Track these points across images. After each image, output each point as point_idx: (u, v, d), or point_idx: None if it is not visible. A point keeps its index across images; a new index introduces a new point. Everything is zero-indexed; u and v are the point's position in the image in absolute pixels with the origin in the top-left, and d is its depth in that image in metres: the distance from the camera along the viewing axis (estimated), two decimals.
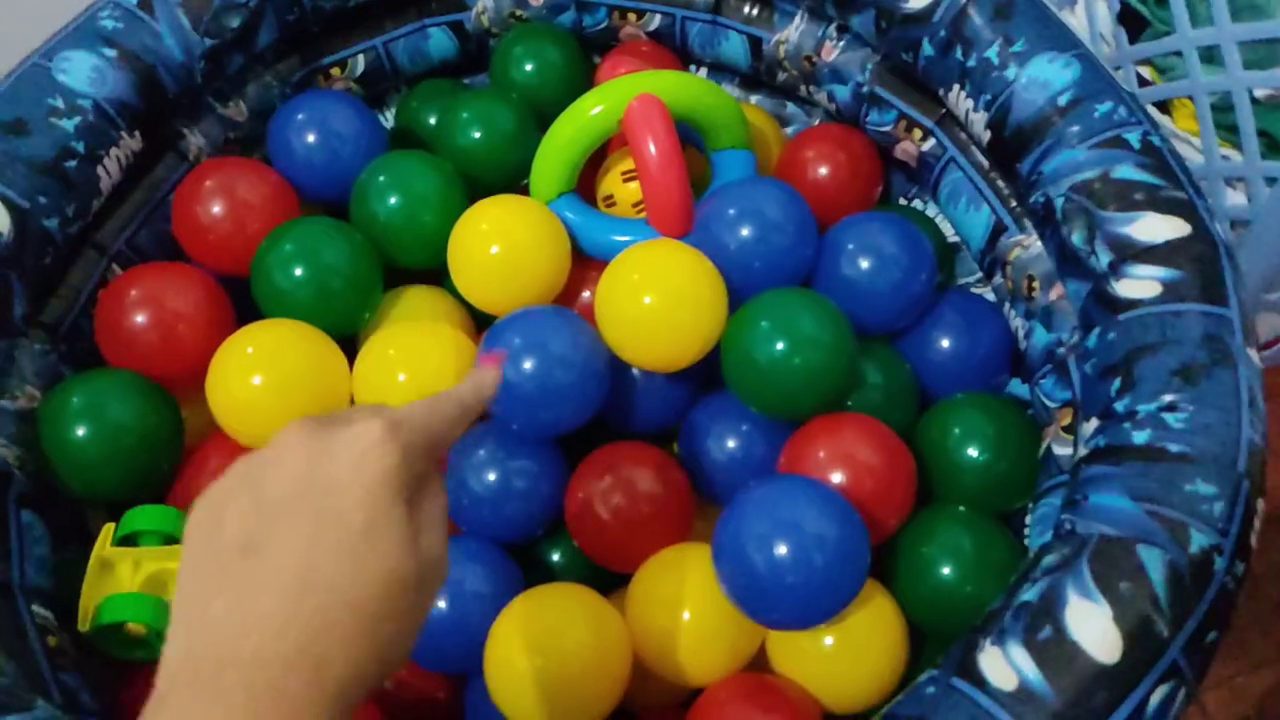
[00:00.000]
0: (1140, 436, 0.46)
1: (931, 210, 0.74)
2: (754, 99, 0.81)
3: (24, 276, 0.56)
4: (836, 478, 0.54)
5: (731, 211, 0.62)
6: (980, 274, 0.69)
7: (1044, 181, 0.56)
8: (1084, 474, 0.47)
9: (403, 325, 0.63)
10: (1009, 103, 0.58)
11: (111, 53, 0.61)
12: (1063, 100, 0.56)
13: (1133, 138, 0.54)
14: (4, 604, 0.49)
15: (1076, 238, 0.54)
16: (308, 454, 0.30)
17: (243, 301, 0.64)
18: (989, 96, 0.59)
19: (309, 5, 0.69)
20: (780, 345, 0.57)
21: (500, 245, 0.63)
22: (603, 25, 0.79)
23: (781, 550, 0.48)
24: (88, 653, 0.52)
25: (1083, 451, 0.49)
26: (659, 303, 0.58)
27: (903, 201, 0.76)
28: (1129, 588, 0.41)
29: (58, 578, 0.55)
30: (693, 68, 0.82)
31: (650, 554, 0.56)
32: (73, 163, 0.59)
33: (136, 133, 0.63)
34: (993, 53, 0.59)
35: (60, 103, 0.59)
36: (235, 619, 0.27)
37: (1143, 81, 0.81)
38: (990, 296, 0.68)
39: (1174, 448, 0.45)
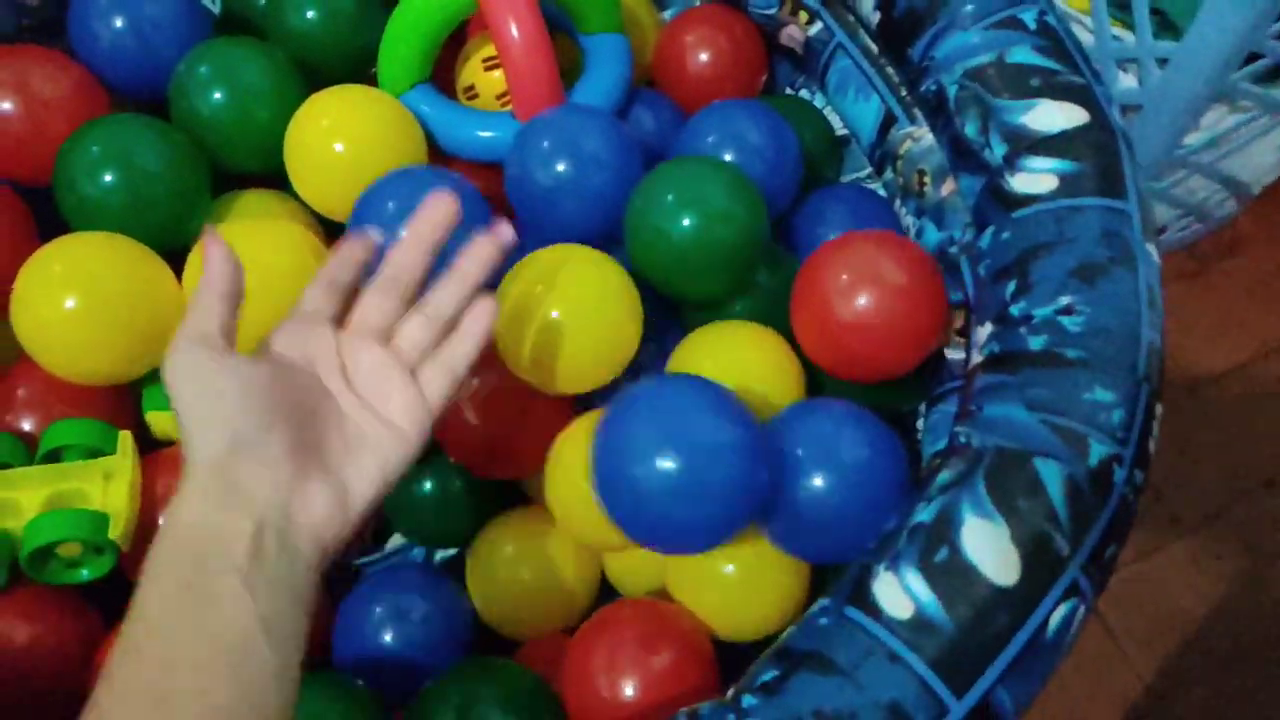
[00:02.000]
0: (1036, 342, 0.43)
1: (819, 101, 0.69)
2: None
3: None
4: (862, 301, 0.49)
5: (546, 144, 0.56)
6: (871, 169, 0.66)
7: (936, 68, 0.52)
8: (978, 383, 0.45)
9: (240, 225, 0.56)
10: None
11: None
12: None
13: (1028, 17, 0.50)
14: None
15: (970, 129, 0.50)
16: None
17: (47, 216, 0.56)
18: None
19: None
20: (690, 220, 0.52)
21: (344, 143, 0.56)
22: None
23: (668, 465, 0.42)
24: None
25: (977, 358, 0.47)
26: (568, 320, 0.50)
27: (789, 91, 0.71)
28: (1027, 504, 0.39)
29: None
30: None
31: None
32: None
33: None
34: None
35: None
36: None
37: None
38: (881, 192, 0.64)
39: (1071, 353, 0.42)
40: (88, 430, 0.51)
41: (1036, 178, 0.47)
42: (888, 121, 0.61)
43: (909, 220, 0.60)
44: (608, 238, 0.56)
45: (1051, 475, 0.39)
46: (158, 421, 0.54)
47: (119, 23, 0.59)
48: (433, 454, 0.54)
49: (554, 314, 0.49)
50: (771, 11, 0.65)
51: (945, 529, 0.39)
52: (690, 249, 0.52)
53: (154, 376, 0.55)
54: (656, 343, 0.56)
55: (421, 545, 0.61)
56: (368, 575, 0.60)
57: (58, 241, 0.52)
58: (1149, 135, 0.65)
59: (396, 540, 0.62)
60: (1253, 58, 0.71)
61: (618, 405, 0.44)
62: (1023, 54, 0.49)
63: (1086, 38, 0.71)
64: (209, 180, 0.58)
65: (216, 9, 0.71)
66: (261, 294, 0.50)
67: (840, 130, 0.68)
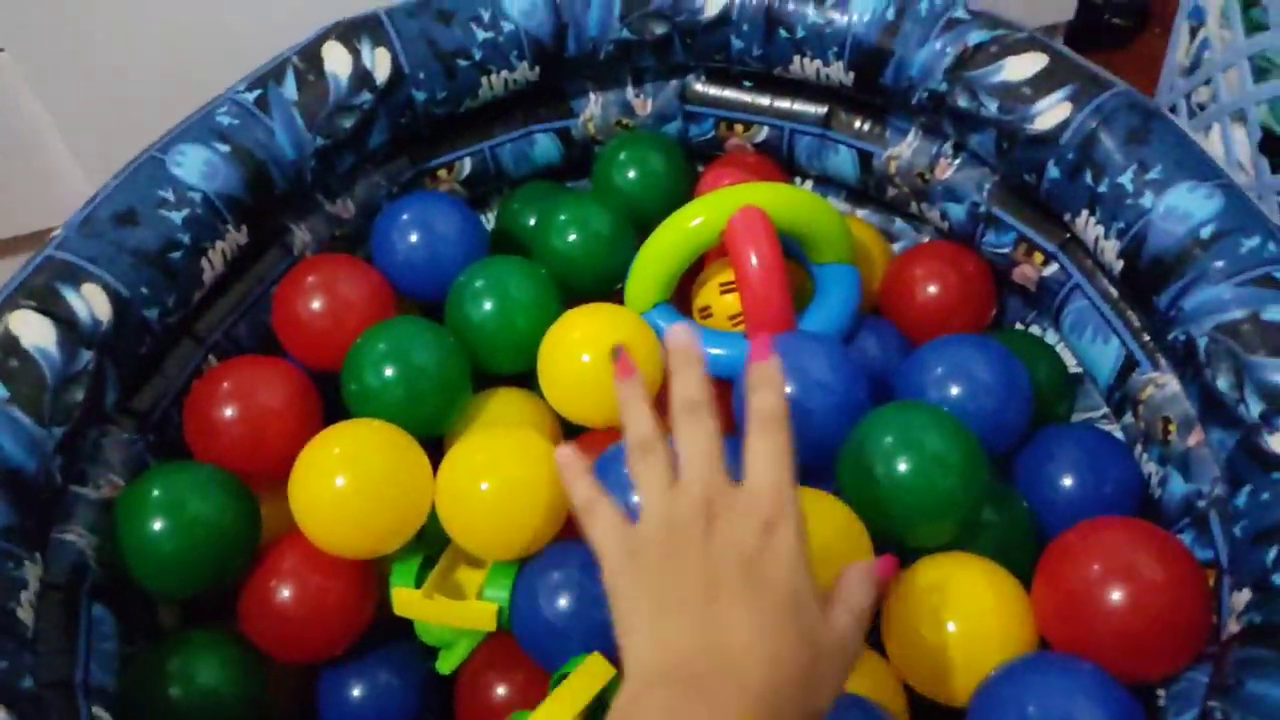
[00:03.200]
0: None
1: (1052, 338, 0.69)
2: (860, 213, 0.79)
3: (119, 364, 0.56)
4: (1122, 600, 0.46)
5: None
6: (1105, 410, 0.64)
7: (1184, 319, 0.52)
8: (1236, 655, 0.42)
9: (488, 431, 0.61)
10: (1144, 232, 0.54)
11: (225, 148, 0.62)
12: (1205, 233, 0.52)
13: None
14: (64, 705, 0.48)
15: (1222, 383, 0.49)
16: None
17: (332, 398, 0.64)
18: (1122, 225, 0.56)
19: (421, 109, 0.70)
20: (905, 464, 0.52)
21: (592, 354, 0.61)
22: (709, 136, 0.78)
23: None
24: None
25: (1234, 627, 0.44)
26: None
27: (1019, 326, 0.72)
28: None
29: (122, 675, 0.53)
30: (798, 180, 0.80)
31: None
32: (178, 254, 0.59)
33: (244, 227, 0.64)
34: (1127, 179, 0.55)
35: (171, 194, 0.60)
36: (724, 641, 0.33)
37: None
38: (1119, 435, 0.62)
39: None
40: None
41: None
42: (1129, 365, 0.60)
43: (1151, 467, 0.58)
44: (825, 464, 0.58)
45: None
46: (399, 596, 0.58)
47: (413, 238, 0.68)
48: None
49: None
50: (1004, 251, 0.67)
51: None
52: (906, 494, 0.53)
53: (400, 553, 0.59)
54: None
55: None
56: None
57: (336, 427, 0.59)
58: None
59: None
60: None
61: None
62: (1279, 312, 0.48)
63: None
64: (470, 379, 0.64)
65: (491, 226, 0.81)
66: (496, 498, 0.56)
67: (1073, 368, 0.67)
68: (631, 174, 0.75)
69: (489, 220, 0.81)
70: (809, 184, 0.80)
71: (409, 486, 0.57)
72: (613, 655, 0.51)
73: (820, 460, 0.58)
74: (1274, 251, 0.50)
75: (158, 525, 0.54)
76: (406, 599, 0.57)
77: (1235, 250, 0.51)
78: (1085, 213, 0.58)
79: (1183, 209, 0.53)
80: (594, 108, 0.78)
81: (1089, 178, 0.57)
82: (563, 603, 0.54)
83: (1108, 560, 0.47)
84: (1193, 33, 0.89)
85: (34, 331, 0.53)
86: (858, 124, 0.73)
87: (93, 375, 0.54)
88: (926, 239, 0.76)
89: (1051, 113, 0.59)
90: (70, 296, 0.54)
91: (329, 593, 0.57)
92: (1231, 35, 0.76)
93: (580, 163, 0.81)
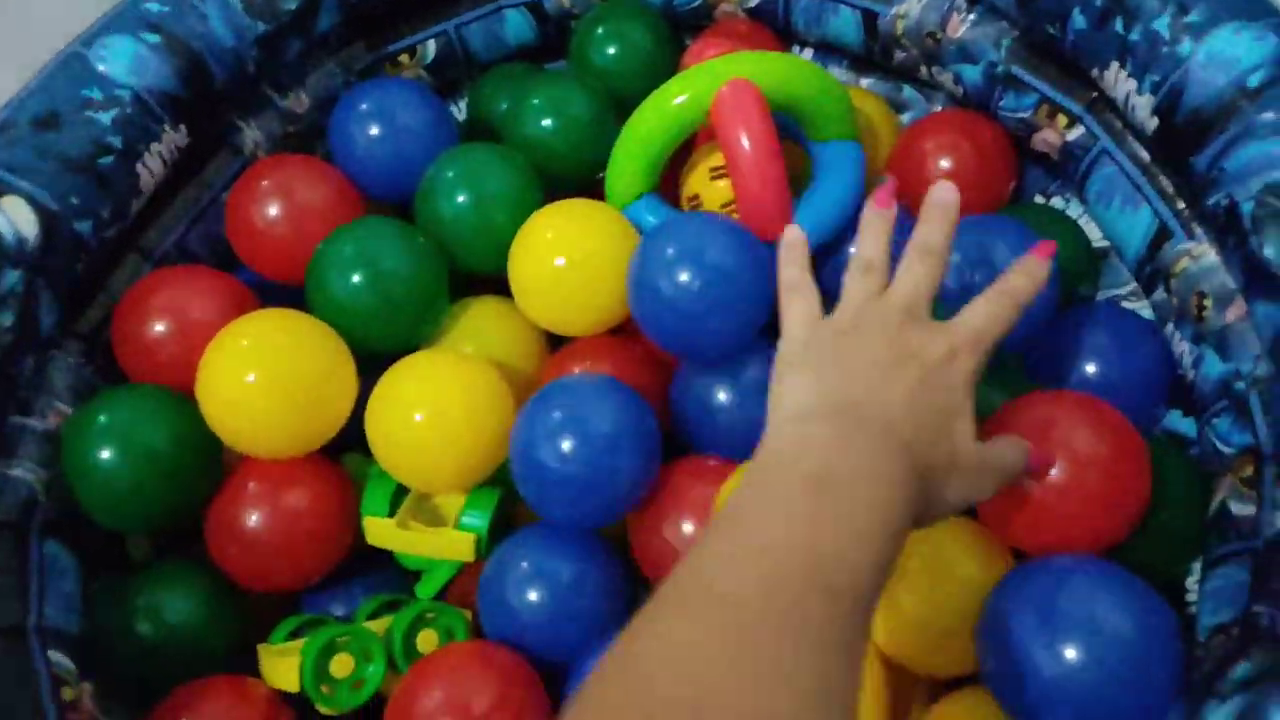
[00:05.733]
0: None
1: (1075, 209, 0.63)
2: (865, 82, 0.72)
3: (54, 284, 0.51)
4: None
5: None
6: (1134, 285, 0.59)
7: (1227, 180, 0.46)
8: None
9: (430, 356, 0.56)
10: (1183, 84, 0.48)
11: (155, 38, 0.56)
12: (1253, 81, 0.46)
13: None
14: (11, 649, 0.45)
15: (1270, 251, 0.44)
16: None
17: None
18: (1157, 77, 0.49)
19: None
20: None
21: (566, 258, 0.56)
22: (696, 3, 0.71)
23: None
24: (112, 705, 0.48)
25: (1278, 520, 0.39)
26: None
27: (1039, 199, 0.66)
28: None
29: (88, 614, 0.50)
30: (796, 48, 0.73)
31: None
32: (109, 159, 0.54)
33: (182, 126, 0.58)
34: (1162, 24, 0.49)
35: (97, 93, 0.54)
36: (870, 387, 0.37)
37: None
38: (1147, 312, 0.57)
39: None
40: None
41: None
42: (1161, 235, 0.54)
43: (1184, 347, 0.53)
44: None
45: None
46: (371, 526, 0.54)
47: (374, 131, 0.62)
48: None
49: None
50: (1025, 115, 0.61)
51: None
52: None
53: (374, 476, 0.56)
54: None
55: None
56: None
57: (248, 316, 0.54)
58: None
59: None
60: None
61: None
62: None
63: None
64: (447, 284, 0.59)
65: (462, 116, 0.75)
66: (437, 421, 0.51)
67: (1099, 242, 0.62)
68: (611, 50, 0.68)
69: (459, 111, 0.75)
70: (808, 52, 0.73)
71: (326, 389, 0.53)
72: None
73: None
74: None
75: (106, 455, 0.50)
76: (379, 529, 0.53)
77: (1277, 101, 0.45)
78: (1115, 65, 0.52)
79: (1228, 54, 0.47)
80: None
81: (1119, 25, 0.50)
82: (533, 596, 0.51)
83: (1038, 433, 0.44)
84: None
85: None
86: None
87: (22, 297, 0.50)
88: (939, 108, 0.69)
89: None
90: None
91: (301, 517, 0.54)
92: None
93: (558, 41, 0.74)
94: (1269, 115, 0.45)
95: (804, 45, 0.73)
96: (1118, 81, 0.52)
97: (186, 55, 0.57)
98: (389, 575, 0.58)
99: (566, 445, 0.49)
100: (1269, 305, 0.44)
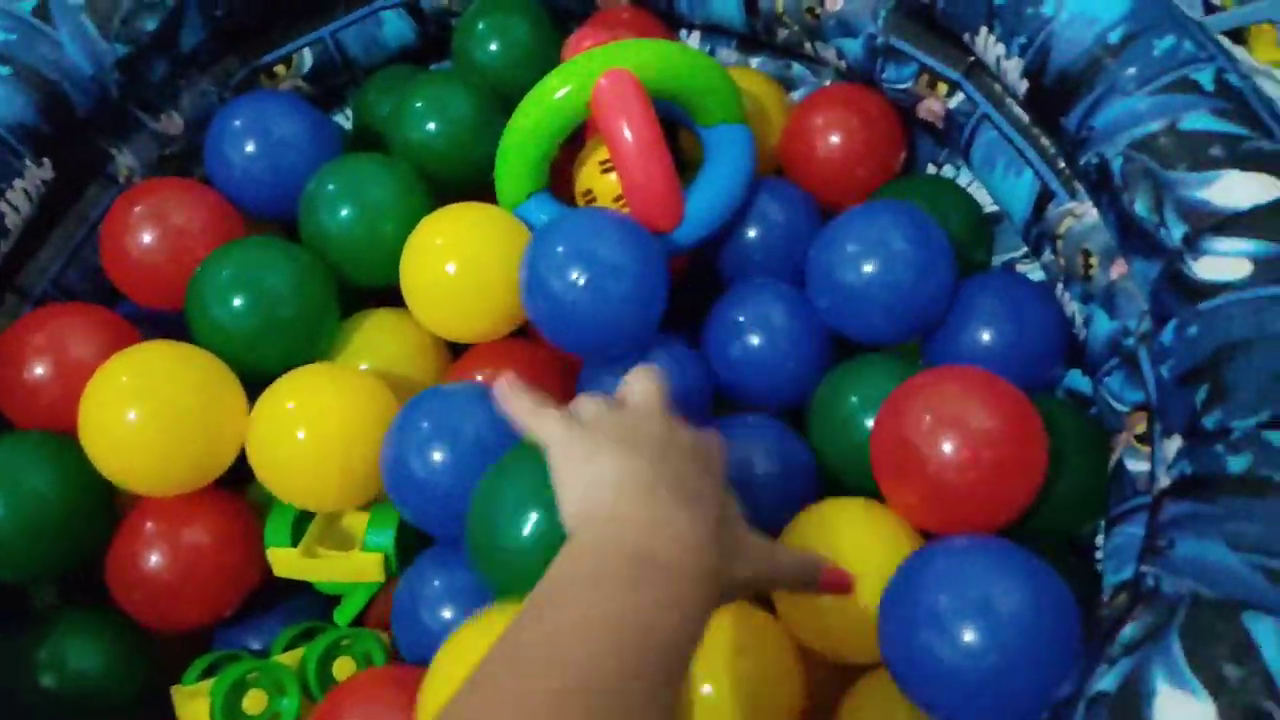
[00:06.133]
0: (1237, 463, 0.36)
1: (965, 177, 0.64)
2: (754, 61, 0.71)
3: None
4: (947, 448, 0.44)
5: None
6: (1026, 249, 0.59)
7: (1096, 138, 0.46)
8: (1167, 511, 0.38)
9: (307, 372, 0.54)
10: (1048, 44, 0.48)
11: (5, 70, 0.54)
12: (1113, 37, 0.46)
13: (1204, 78, 0.43)
14: None
15: (1140, 205, 0.44)
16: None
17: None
18: (1024, 39, 0.49)
19: None
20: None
21: (457, 263, 0.55)
22: None
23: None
24: None
25: (1164, 480, 0.40)
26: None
27: (931, 169, 0.66)
28: (1236, 673, 0.31)
29: None
30: (683, 33, 0.72)
31: None
32: None
33: (45, 160, 0.56)
34: None
35: None
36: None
37: (1210, 8, 0.70)
38: (1039, 275, 0.58)
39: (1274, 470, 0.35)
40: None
41: (1226, 261, 0.40)
42: (1044, 197, 0.54)
43: (1074, 307, 0.53)
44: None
45: (1265, 632, 0.32)
46: (276, 557, 0.53)
47: (250, 147, 0.60)
48: None
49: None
50: (906, 86, 0.61)
51: (1133, 702, 0.32)
52: None
53: (273, 505, 0.54)
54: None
55: None
56: None
57: (127, 351, 0.52)
58: None
59: None
60: None
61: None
62: (1199, 119, 0.42)
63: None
64: (337, 300, 0.58)
65: (349, 124, 0.73)
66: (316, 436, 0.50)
67: (990, 207, 0.62)
68: (493, 46, 0.67)
69: (346, 119, 0.73)
70: (695, 36, 0.72)
71: (212, 415, 0.51)
72: None
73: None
74: (1190, 50, 0.44)
75: None
76: (284, 559, 0.52)
77: (1148, 53, 0.45)
78: (984, 29, 0.52)
79: (1088, 12, 0.47)
80: None
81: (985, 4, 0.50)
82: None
83: (934, 410, 0.45)
84: None
85: None
86: None
87: None
88: (827, 83, 0.69)
89: None
90: None
91: (203, 553, 0.52)
92: None
93: (439, 41, 0.73)
94: (1131, 70, 0.45)
95: (690, 29, 0.72)
96: (988, 46, 0.52)
97: (41, 86, 0.55)
98: (308, 601, 0.57)
99: (438, 455, 0.48)
100: (1144, 261, 0.44)
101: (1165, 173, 0.43)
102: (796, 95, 0.70)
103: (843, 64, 0.64)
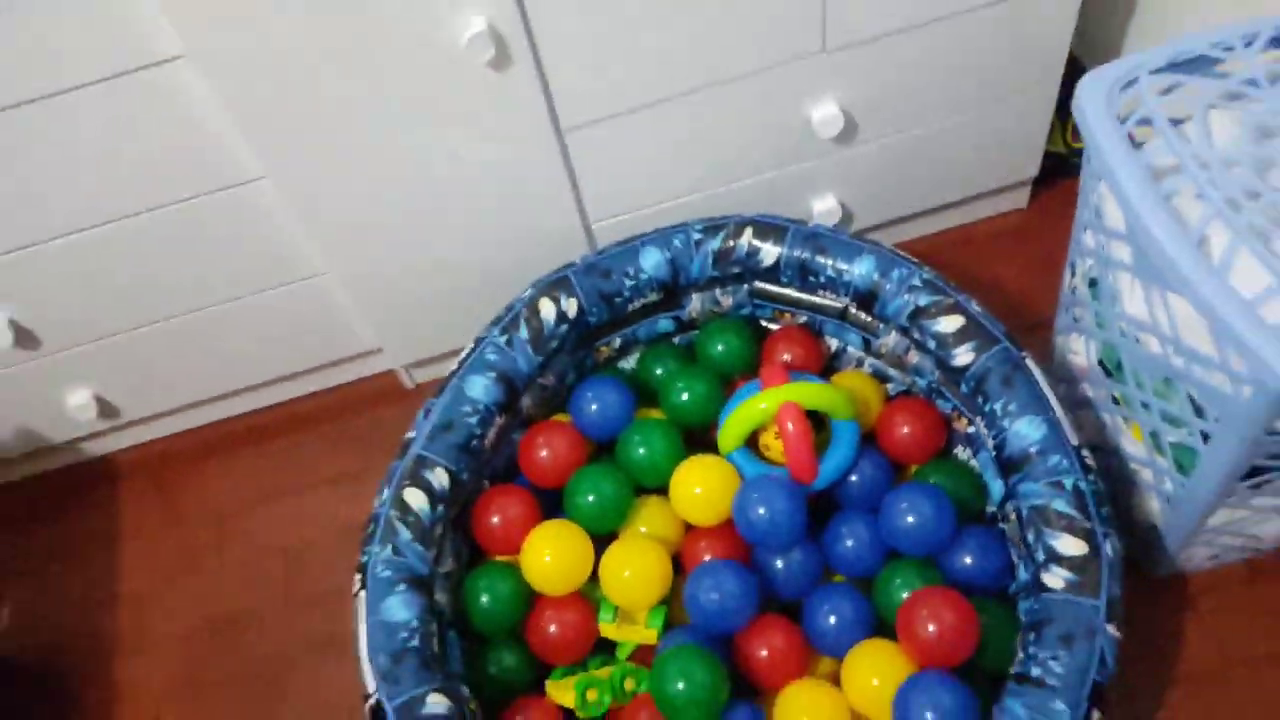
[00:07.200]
0: (1036, 671, 0.88)
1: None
2: (869, 362, 1.23)
3: (451, 511, 1.07)
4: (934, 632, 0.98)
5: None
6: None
7: (1019, 496, 0.98)
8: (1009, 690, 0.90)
9: (626, 540, 1.10)
10: (1003, 440, 0.99)
11: (492, 374, 1.11)
12: (1033, 449, 0.97)
13: (1068, 482, 0.94)
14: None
15: (1030, 536, 0.95)
16: None
17: (550, 503, 1.14)
18: (995, 433, 1.01)
19: (593, 322, 1.17)
20: None
21: (701, 487, 1.10)
22: (769, 316, 1.23)
23: None
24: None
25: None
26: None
27: (957, 452, 1.17)
28: None
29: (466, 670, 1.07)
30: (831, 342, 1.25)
31: None
32: (475, 442, 1.09)
33: (504, 414, 1.13)
34: (998, 406, 1.00)
35: (467, 408, 1.09)
36: None
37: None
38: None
39: (1051, 680, 0.86)
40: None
41: (1056, 577, 0.91)
42: (1008, 495, 1.06)
43: (1014, 557, 1.04)
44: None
45: None
46: (604, 628, 1.09)
47: (593, 408, 1.17)
48: None
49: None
50: (947, 411, 1.12)
51: None
52: None
53: (603, 604, 1.11)
54: None
55: None
56: None
57: (543, 526, 1.09)
58: (1175, 525, 1.05)
59: None
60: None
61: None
62: (1061, 504, 0.94)
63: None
64: (632, 495, 1.13)
65: (632, 367, 1.29)
66: (635, 576, 1.06)
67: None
68: (720, 347, 1.21)
69: (630, 364, 1.29)
70: (836, 345, 1.25)
71: (579, 561, 1.08)
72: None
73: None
74: (1065, 465, 0.95)
75: (484, 600, 1.06)
76: (608, 628, 1.09)
77: (1046, 462, 0.96)
78: (979, 419, 1.03)
79: (1023, 432, 0.98)
80: (695, 303, 1.23)
81: (980, 401, 1.02)
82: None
83: (927, 609, 0.96)
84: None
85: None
86: (861, 317, 1.17)
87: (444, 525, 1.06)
88: (904, 387, 1.21)
89: (963, 355, 1.03)
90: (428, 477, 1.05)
91: (569, 624, 1.09)
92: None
93: (688, 328, 1.28)
94: (1039, 467, 0.96)
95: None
96: (980, 426, 1.03)
97: (505, 379, 1.12)
98: (605, 646, 1.14)
99: (714, 595, 1.02)
100: (1026, 566, 0.95)
101: (1043, 527, 0.94)
102: (891, 387, 1.22)
103: (915, 385, 1.16)
